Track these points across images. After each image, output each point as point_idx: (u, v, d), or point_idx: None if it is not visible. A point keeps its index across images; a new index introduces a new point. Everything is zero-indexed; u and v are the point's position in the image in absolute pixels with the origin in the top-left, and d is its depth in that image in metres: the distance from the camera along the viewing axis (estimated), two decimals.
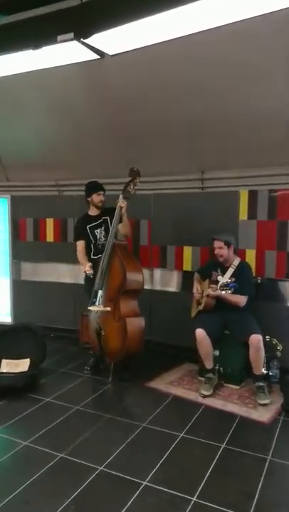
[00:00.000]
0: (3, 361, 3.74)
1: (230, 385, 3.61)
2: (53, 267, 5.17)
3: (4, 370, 3.66)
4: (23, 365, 3.70)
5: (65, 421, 3.02)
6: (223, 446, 2.69)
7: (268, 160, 3.82)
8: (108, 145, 4.39)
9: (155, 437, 2.82)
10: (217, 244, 3.58)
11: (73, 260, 4.86)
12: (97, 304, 3.53)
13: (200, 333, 3.42)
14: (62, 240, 5.04)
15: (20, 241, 5.27)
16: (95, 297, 3.53)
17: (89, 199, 3.85)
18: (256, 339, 3.27)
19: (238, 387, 3.59)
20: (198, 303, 3.75)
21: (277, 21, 2.68)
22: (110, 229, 3.65)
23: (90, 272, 3.61)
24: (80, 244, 3.85)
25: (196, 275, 3.90)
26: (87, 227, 3.84)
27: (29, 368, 3.66)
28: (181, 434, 2.83)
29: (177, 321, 4.13)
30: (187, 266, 4.39)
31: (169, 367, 4.04)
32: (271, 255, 3.91)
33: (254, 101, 3.45)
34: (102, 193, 3.81)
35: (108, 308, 3.52)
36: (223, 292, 3.38)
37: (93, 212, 3.89)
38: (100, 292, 3.54)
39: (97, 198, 3.80)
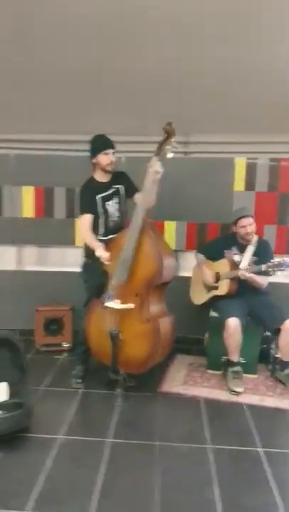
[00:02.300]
0: None
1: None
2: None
3: None
4: None
5: (111, 469, 2.18)
6: None
7: (270, 126, 3.46)
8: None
9: (242, 458, 2.26)
10: (247, 221, 3.11)
11: (15, 240, 3.81)
12: (111, 299, 2.67)
13: (234, 323, 2.92)
14: None
15: None
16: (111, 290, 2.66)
17: (94, 160, 2.86)
18: None
19: (255, 377, 3.26)
20: (211, 287, 3.24)
21: None
22: (136, 202, 2.81)
23: (108, 259, 2.71)
24: (87, 219, 2.84)
25: (201, 256, 3.35)
26: (97, 197, 2.85)
27: (10, 395, 2.59)
28: (261, 449, 2.33)
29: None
30: (170, 244, 3.78)
31: (164, 363, 3.42)
32: (271, 230, 3.63)
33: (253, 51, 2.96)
34: (110, 151, 2.84)
35: (131, 306, 2.69)
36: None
37: (101, 177, 2.91)
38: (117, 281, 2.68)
39: (104, 158, 2.83)
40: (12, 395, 2.60)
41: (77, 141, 3.61)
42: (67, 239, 3.81)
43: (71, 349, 3.66)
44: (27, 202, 3.78)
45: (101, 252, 2.71)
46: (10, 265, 3.87)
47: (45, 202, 3.78)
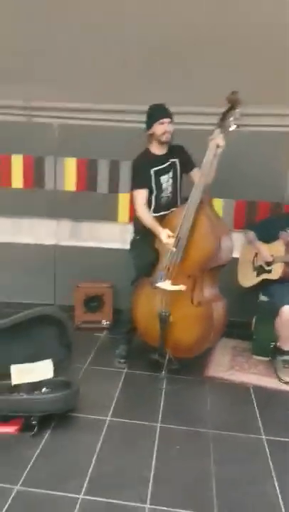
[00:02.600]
0: (14, 368, 2.51)
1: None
2: (22, 223, 3.78)
3: (18, 382, 2.45)
4: (43, 369, 2.54)
5: (164, 456, 2.11)
6: None
7: None
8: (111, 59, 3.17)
9: None
10: None
11: (55, 214, 3.68)
12: (162, 279, 2.55)
13: None
14: (37, 187, 3.68)
15: None
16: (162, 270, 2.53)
17: (150, 131, 2.68)
18: None
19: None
20: (260, 270, 3.07)
21: None
22: (193, 178, 2.66)
23: (172, 244, 2.55)
24: (143, 195, 2.69)
25: (251, 233, 3.16)
26: (151, 170, 2.68)
27: (55, 372, 2.53)
28: None
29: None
30: None
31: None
32: None
33: None
34: (167, 121, 2.64)
35: (183, 287, 2.57)
36: None
37: (157, 150, 2.73)
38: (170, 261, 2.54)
39: (160, 128, 2.64)
40: (57, 372, 2.55)
41: (125, 111, 3.43)
42: (109, 214, 3.67)
43: (111, 327, 3.60)
44: (69, 174, 3.64)
45: (167, 239, 2.55)
46: (50, 240, 3.78)
47: (87, 175, 3.64)
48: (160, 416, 2.39)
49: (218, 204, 3.58)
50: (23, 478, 1.86)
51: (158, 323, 2.66)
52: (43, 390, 2.44)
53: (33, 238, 3.80)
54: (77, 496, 1.78)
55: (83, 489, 1.82)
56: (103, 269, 3.66)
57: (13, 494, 1.77)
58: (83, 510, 1.72)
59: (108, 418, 2.35)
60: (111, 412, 2.41)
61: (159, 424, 2.31)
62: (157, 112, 2.65)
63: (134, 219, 2.87)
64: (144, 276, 2.79)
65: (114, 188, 3.63)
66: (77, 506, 1.73)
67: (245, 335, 3.37)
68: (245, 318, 3.36)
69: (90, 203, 3.67)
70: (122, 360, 2.94)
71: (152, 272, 2.75)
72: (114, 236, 3.71)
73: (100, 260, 3.70)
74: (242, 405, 2.56)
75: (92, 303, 3.60)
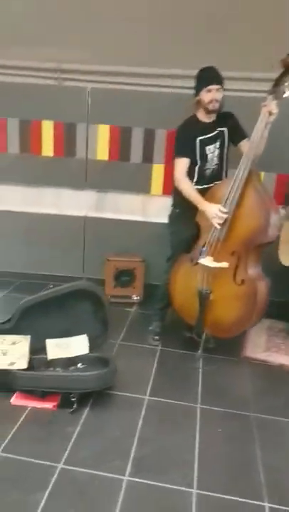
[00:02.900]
0: (49, 342, 2.45)
1: None
2: (52, 193, 3.66)
3: (53, 357, 2.40)
4: (79, 345, 2.48)
5: (206, 438, 2.05)
6: None
7: None
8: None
9: None
10: None
11: (85, 184, 3.52)
12: (204, 255, 2.42)
13: None
14: (68, 155, 3.53)
15: None
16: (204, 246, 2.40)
17: (198, 98, 2.49)
18: None
19: None
20: None
21: None
22: (242, 149, 2.47)
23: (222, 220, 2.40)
24: (184, 164, 2.52)
25: None
26: (197, 139, 2.51)
27: (91, 348, 2.47)
28: None
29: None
30: None
31: None
32: None
33: None
34: (215, 87, 2.42)
35: (226, 265, 2.44)
36: None
37: (204, 117, 2.54)
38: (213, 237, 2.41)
39: (207, 96, 2.44)
40: (93, 348, 2.49)
41: (163, 75, 3.21)
42: (142, 186, 3.51)
43: (141, 303, 3.52)
44: (102, 142, 3.47)
45: (213, 212, 2.39)
46: (80, 211, 3.65)
47: (120, 143, 3.46)
48: (199, 397, 2.32)
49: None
50: (65, 456, 1.82)
51: (196, 300, 2.55)
52: (78, 365, 2.40)
53: (62, 209, 3.66)
54: (122, 477, 1.74)
55: (127, 471, 1.77)
56: (135, 243, 3.55)
57: (57, 472, 1.74)
58: (130, 491, 1.67)
59: (146, 397, 2.29)
60: (149, 390, 2.35)
61: (198, 405, 2.24)
62: (205, 78, 2.45)
63: (174, 191, 2.72)
64: (182, 252, 2.67)
65: (148, 158, 3.45)
66: (124, 487, 1.69)
67: (281, 315, 3.26)
68: (285, 297, 3.23)
69: (122, 174, 3.50)
70: (156, 337, 2.87)
71: (192, 247, 2.62)
72: (146, 209, 3.57)
73: (131, 233, 3.57)
74: (283, 388, 2.48)
75: (123, 277, 3.51)
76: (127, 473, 1.76)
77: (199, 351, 2.68)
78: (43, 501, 1.60)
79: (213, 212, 2.39)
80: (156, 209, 3.48)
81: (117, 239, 3.61)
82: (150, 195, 3.53)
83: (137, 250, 3.54)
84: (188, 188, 2.52)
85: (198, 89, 2.47)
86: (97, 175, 3.54)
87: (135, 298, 3.54)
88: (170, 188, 3.38)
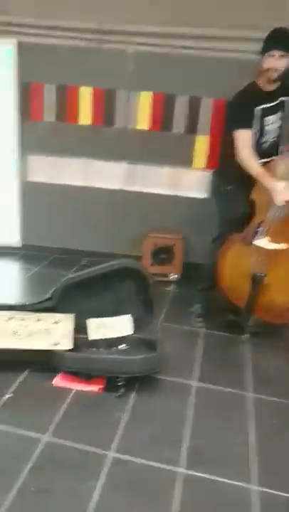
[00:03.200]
0: (90, 322, 2.35)
1: None
2: (88, 164, 3.48)
3: (95, 337, 2.30)
4: (122, 325, 2.38)
5: (263, 431, 1.94)
6: None
7: None
8: None
9: None
10: None
11: (124, 156, 3.35)
12: (260, 236, 2.24)
13: None
14: (106, 124, 3.33)
15: (32, 122, 3.39)
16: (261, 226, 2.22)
17: (261, 63, 2.24)
18: None
19: None
20: None
21: None
22: None
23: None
24: (246, 136, 2.29)
25: None
26: (256, 108, 2.28)
27: (135, 329, 2.37)
28: None
29: None
30: None
31: None
32: None
33: None
34: (278, 53, 2.17)
35: (285, 246, 2.27)
36: None
37: (266, 85, 2.31)
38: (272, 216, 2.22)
39: (268, 62, 2.20)
40: (136, 330, 2.38)
41: (213, 37, 2.94)
42: (184, 159, 3.30)
43: (179, 281, 3.38)
44: (143, 111, 3.25)
45: (277, 187, 2.17)
46: (118, 184, 3.47)
47: (163, 112, 3.24)
48: (250, 384, 2.20)
49: None
50: (116, 444, 1.74)
51: (248, 283, 2.40)
52: (120, 346, 2.30)
53: (97, 182, 3.50)
54: (175, 468, 1.64)
55: (180, 462, 1.68)
56: (174, 219, 3.39)
57: (108, 460, 1.65)
58: (185, 484, 1.58)
59: (195, 383, 2.18)
60: (196, 376, 2.23)
61: (251, 394, 2.12)
62: (270, 41, 2.20)
63: (225, 166, 2.52)
64: (233, 231, 2.49)
65: (192, 128, 3.23)
66: (178, 479, 1.59)
67: None
68: None
69: (163, 145, 3.30)
70: (200, 319, 2.74)
71: (244, 227, 2.44)
72: (188, 183, 3.37)
73: (171, 209, 3.41)
74: None
75: (162, 254, 3.36)
76: (181, 465, 1.67)
77: (246, 335, 2.56)
78: (96, 491, 1.52)
79: (280, 189, 2.19)
80: (198, 184, 3.29)
81: (154, 214, 3.45)
82: (192, 169, 3.33)
83: (176, 227, 3.38)
84: (252, 163, 2.29)
85: (261, 52, 2.23)
86: (136, 146, 3.34)
87: (172, 276, 3.40)
88: (214, 162, 3.21)
